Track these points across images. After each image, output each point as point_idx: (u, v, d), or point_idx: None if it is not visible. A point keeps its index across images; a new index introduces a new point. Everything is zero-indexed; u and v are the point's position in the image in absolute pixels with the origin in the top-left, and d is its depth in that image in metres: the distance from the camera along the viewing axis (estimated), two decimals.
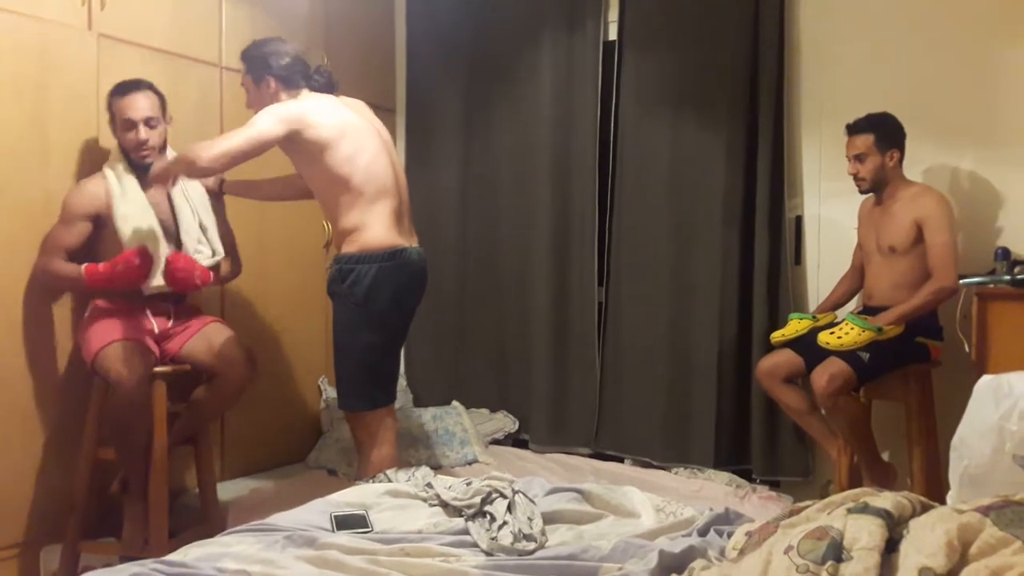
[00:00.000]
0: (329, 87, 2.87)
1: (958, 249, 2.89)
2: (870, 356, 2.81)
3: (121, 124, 2.73)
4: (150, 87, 2.78)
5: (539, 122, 3.91)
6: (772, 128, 3.40)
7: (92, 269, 2.64)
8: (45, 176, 2.76)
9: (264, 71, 2.75)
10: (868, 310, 3.01)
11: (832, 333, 2.84)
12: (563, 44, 3.84)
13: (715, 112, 3.50)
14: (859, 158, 2.99)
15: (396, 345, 2.90)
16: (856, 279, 3.21)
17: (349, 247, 2.69)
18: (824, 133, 3.38)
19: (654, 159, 3.64)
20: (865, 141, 2.97)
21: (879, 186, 3.01)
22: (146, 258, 2.65)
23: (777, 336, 3.15)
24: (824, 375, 2.81)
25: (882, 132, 2.97)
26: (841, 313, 3.14)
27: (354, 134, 2.73)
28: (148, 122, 2.73)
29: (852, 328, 2.82)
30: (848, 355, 2.82)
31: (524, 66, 3.97)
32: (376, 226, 2.69)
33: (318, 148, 2.67)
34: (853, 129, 3.01)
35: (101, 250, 2.73)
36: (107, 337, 2.64)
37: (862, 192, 3.06)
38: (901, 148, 2.99)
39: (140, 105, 2.72)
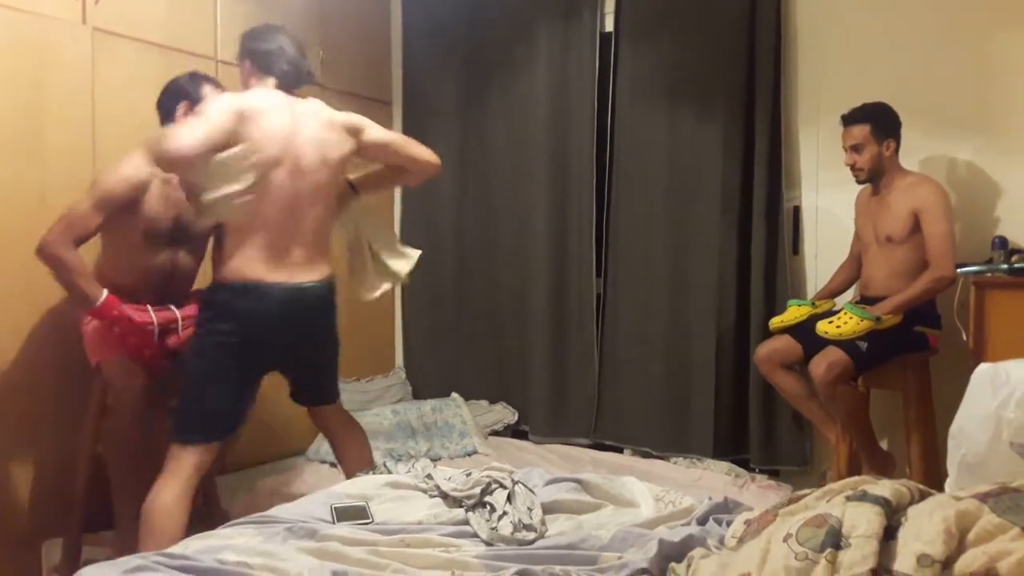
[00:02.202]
0: (295, 77, 2.54)
1: (955, 238, 2.89)
2: (868, 345, 2.82)
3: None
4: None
5: (536, 113, 3.91)
6: (770, 118, 3.40)
7: (111, 303, 2.57)
8: (41, 171, 2.76)
9: (242, 51, 2.59)
10: (865, 299, 3.01)
11: (831, 322, 2.84)
12: (559, 35, 3.84)
13: (712, 103, 3.50)
14: (856, 148, 2.99)
15: (229, 382, 2.43)
16: (854, 268, 3.22)
17: (216, 273, 2.48)
18: (822, 123, 3.38)
19: (651, 150, 3.64)
20: (862, 131, 2.97)
21: (876, 176, 3.01)
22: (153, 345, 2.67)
23: (776, 322, 3.15)
24: (822, 364, 2.82)
25: (878, 122, 2.97)
26: (840, 302, 3.14)
27: (265, 150, 2.38)
28: None
29: (851, 317, 2.82)
30: (846, 344, 2.82)
31: (520, 57, 3.96)
32: (240, 257, 2.39)
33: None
34: (849, 119, 3.01)
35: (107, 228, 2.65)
36: (108, 352, 2.63)
37: (859, 182, 3.06)
38: (897, 138, 2.99)
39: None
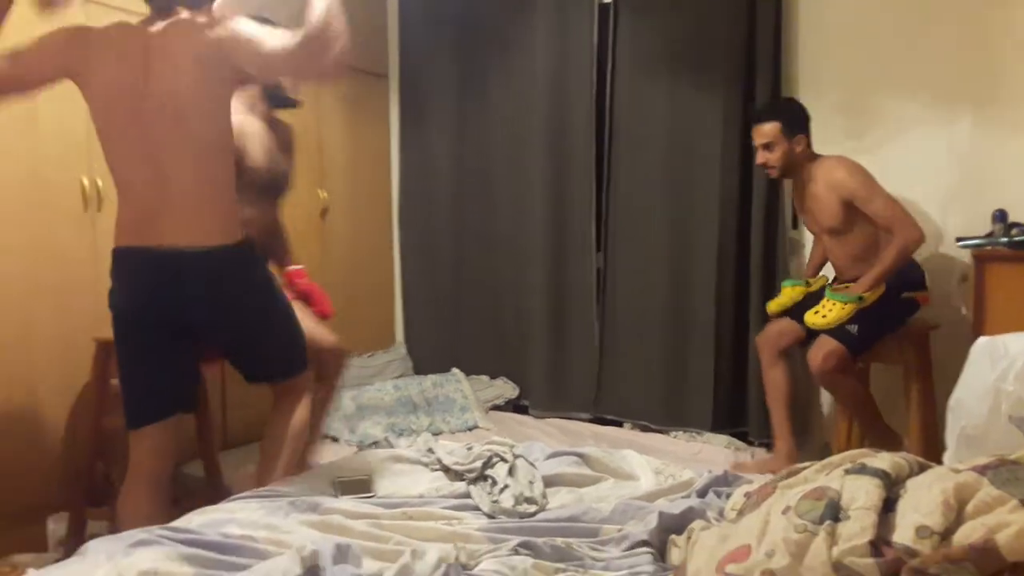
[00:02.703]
0: None
1: (894, 199, 2.86)
2: (859, 327, 2.81)
3: None
4: None
5: (534, 86, 3.88)
6: (770, 92, 3.38)
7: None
8: (35, 149, 2.75)
9: None
10: (841, 283, 3.02)
11: (816, 313, 2.84)
12: (558, 7, 3.80)
13: (713, 76, 3.47)
14: (767, 147, 2.97)
15: (151, 358, 2.18)
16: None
17: None
18: (822, 98, 3.36)
19: (651, 124, 3.62)
20: (772, 129, 2.95)
21: (790, 172, 3.01)
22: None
23: (773, 306, 3.15)
24: (819, 355, 2.82)
25: (787, 119, 2.96)
26: (832, 275, 3.14)
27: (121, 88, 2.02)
28: None
29: (834, 304, 2.81)
30: (837, 332, 2.82)
31: (519, 29, 3.93)
32: (120, 219, 2.11)
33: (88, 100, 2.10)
34: (757, 118, 3.01)
35: None
36: None
37: (773, 179, 3.07)
38: (807, 132, 2.99)
39: None
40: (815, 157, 3.00)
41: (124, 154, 2.06)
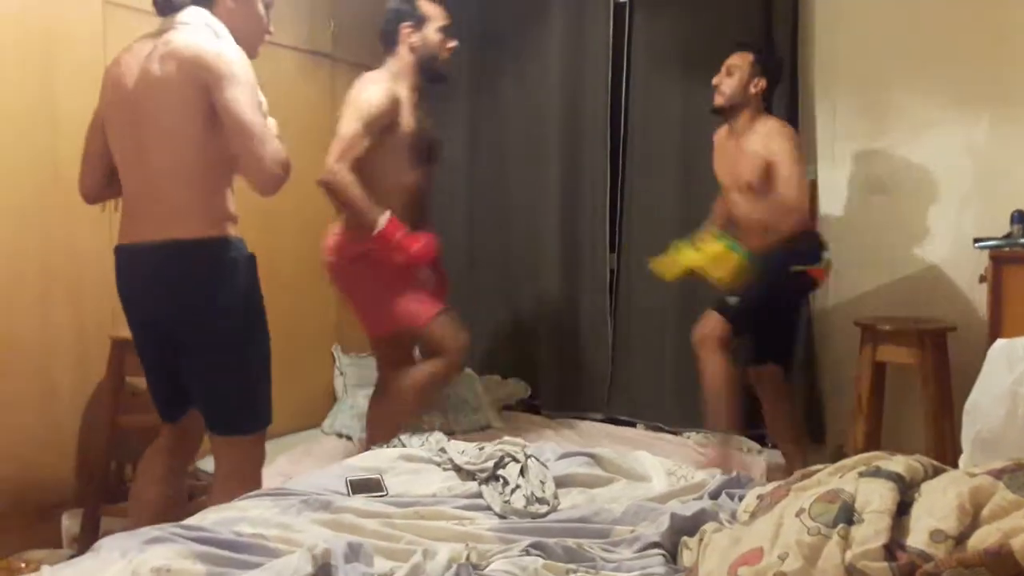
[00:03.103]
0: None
1: (805, 182, 2.88)
2: (739, 299, 2.80)
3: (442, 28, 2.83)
4: None
5: (549, 86, 3.87)
6: (788, 93, 3.36)
7: (395, 225, 2.67)
8: (54, 147, 2.76)
9: None
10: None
11: (698, 250, 2.83)
12: (573, 5, 3.80)
13: None
14: (729, 70, 2.95)
15: (147, 360, 2.18)
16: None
17: None
18: (838, 96, 3.34)
19: (666, 123, 3.61)
20: (744, 57, 2.94)
21: (734, 107, 2.96)
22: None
23: (660, 266, 2.99)
24: (704, 326, 2.87)
25: (761, 58, 2.94)
26: None
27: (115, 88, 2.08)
28: None
29: (717, 245, 2.78)
30: (718, 306, 2.85)
31: (534, 28, 3.93)
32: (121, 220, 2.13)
33: None
34: (739, 46, 2.99)
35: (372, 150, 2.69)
36: (428, 306, 2.77)
37: (716, 106, 2.99)
38: (771, 83, 2.95)
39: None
40: (762, 113, 2.97)
41: (119, 154, 2.08)
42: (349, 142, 2.63)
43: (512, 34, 4.00)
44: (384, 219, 2.66)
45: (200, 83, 1.92)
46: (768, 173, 2.85)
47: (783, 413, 3.04)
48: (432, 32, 2.83)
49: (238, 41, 2.06)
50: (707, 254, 2.77)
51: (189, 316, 2.02)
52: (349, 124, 2.64)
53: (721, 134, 3.09)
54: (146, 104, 1.99)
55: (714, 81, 2.98)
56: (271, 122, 2.08)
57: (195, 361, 2.05)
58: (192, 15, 2.02)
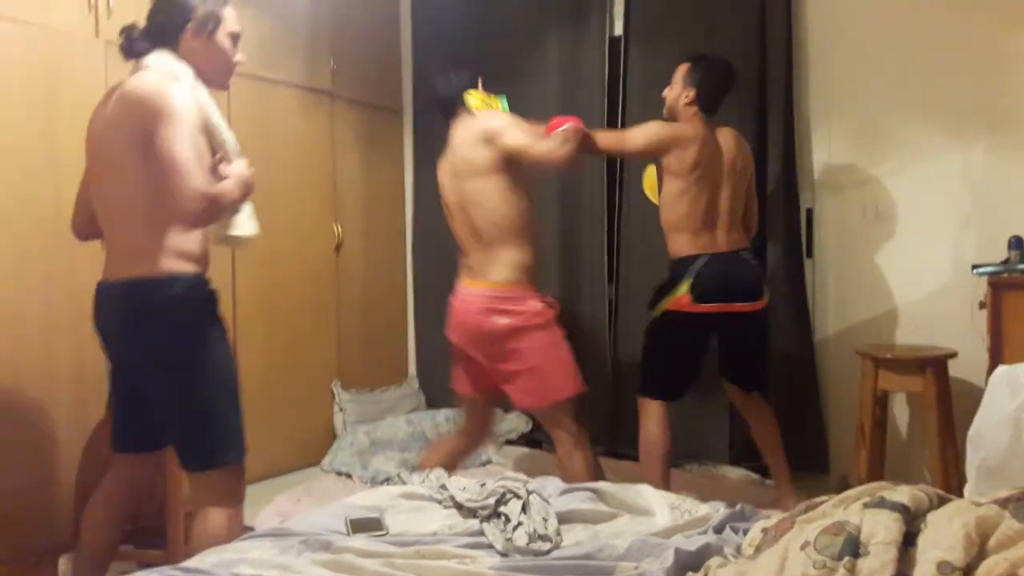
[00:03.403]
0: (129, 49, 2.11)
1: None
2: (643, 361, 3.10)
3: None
4: None
5: (546, 119, 3.89)
6: (783, 122, 3.38)
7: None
8: (56, 183, 2.78)
9: None
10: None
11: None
12: (568, 40, 3.84)
13: (724, 106, 3.47)
14: (671, 82, 2.99)
15: (116, 394, 2.23)
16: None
17: None
18: (833, 126, 3.37)
19: None
20: (682, 68, 2.97)
21: (673, 117, 2.99)
22: None
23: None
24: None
25: (692, 67, 2.94)
26: None
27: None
28: None
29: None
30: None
31: (530, 63, 3.97)
32: None
33: None
34: (688, 57, 3.02)
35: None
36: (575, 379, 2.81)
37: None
38: (700, 93, 2.91)
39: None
40: (702, 123, 2.93)
41: (92, 194, 2.16)
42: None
43: (509, 69, 4.02)
44: None
45: (139, 122, 1.95)
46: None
47: (772, 436, 3.03)
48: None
49: (205, 77, 2.11)
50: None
51: (139, 355, 2.04)
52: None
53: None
54: (100, 144, 2.08)
55: (664, 92, 3.01)
56: (232, 146, 2.11)
57: (154, 399, 2.07)
58: (156, 59, 2.06)
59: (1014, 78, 3.04)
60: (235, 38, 2.19)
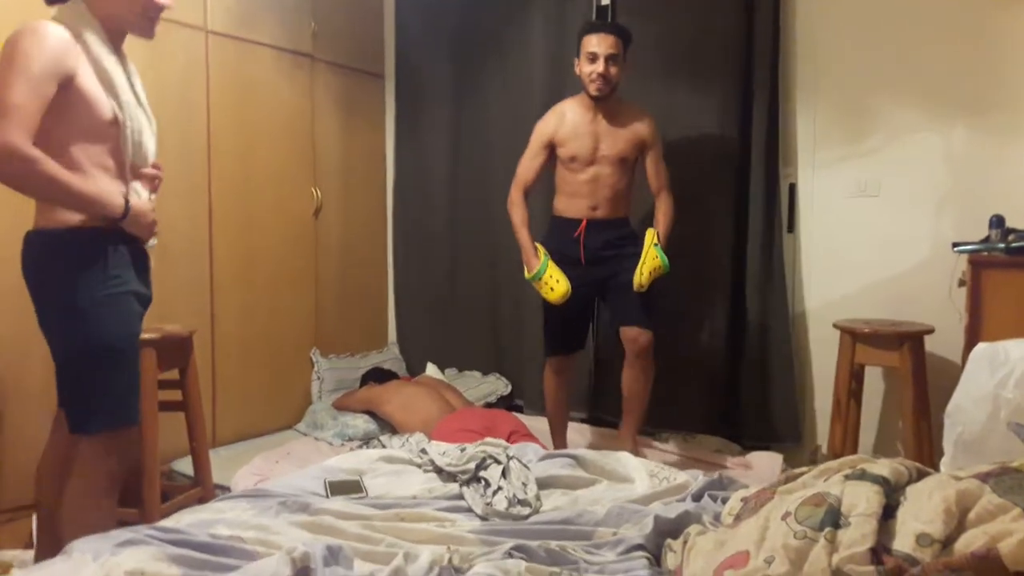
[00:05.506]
0: None
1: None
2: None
3: None
4: None
5: (532, 89, 3.86)
6: (768, 96, 3.36)
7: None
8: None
9: None
10: (597, 222, 3.06)
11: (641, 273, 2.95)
12: (555, 10, 3.78)
13: (710, 79, 3.46)
14: (613, 59, 2.95)
15: None
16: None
17: None
18: (819, 102, 3.35)
19: None
20: (618, 44, 2.96)
21: (613, 90, 3.01)
22: None
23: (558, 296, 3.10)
24: (643, 338, 3.03)
25: (625, 43, 2.98)
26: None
27: None
28: None
29: (654, 257, 2.97)
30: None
31: (516, 31, 3.91)
32: None
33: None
34: (606, 28, 2.99)
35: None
36: None
37: (599, 95, 2.99)
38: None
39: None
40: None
41: None
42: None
43: (494, 36, 3.98)
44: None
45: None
46: (637, 152, 3.07)
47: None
48: None
49: (122, 23, 1.97)
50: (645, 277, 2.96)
51: (37, 307, 1.93)
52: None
53: (577, 112, 3.09)
54: None
55: (600, 71, 2.96)
56: (131, 110, 1.94)
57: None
58: (69, 6, 1.93)
59: (997, 58, 3.04)
60: None
